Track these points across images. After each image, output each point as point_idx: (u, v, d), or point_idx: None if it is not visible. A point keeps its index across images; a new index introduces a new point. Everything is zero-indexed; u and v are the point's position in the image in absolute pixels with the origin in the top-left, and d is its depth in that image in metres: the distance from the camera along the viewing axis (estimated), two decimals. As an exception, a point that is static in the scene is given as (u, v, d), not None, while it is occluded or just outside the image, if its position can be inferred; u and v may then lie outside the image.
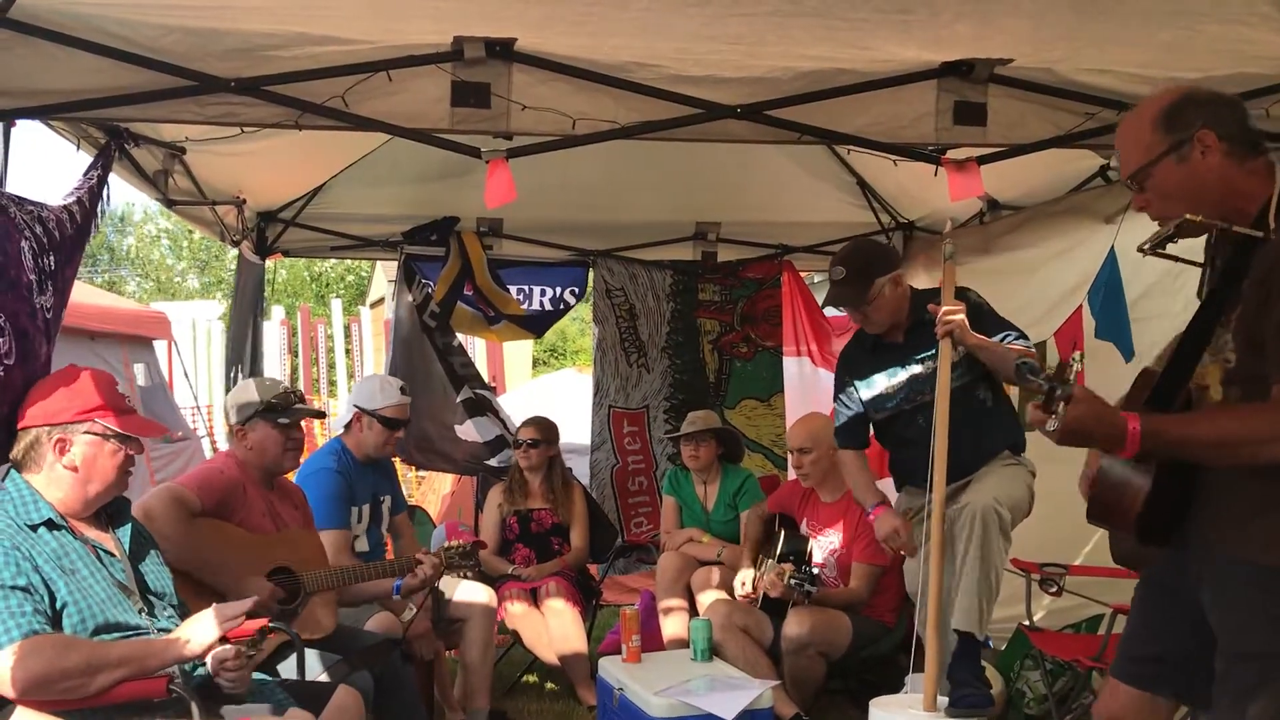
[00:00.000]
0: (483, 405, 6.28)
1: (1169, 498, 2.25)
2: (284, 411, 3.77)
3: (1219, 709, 2.23)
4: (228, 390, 5.13)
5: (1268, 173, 2.27)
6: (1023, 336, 3.81)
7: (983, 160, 3.74)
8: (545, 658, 5.08)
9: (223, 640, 2.68)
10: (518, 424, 5.79)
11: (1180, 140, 2.26)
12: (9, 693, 2.44)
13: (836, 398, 4.19)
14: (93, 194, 3.49)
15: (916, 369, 3.90)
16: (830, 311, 6.89)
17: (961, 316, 3.63)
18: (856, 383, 4.07)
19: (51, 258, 3.15)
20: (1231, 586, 2.20)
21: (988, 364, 3.77)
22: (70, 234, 3.28)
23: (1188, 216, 2.23)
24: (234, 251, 5.90)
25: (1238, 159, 2.26)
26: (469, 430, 6.24)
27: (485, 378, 6.74)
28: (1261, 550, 2.14)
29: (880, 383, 4.00)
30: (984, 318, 3.82)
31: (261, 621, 2.82)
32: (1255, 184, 2.26)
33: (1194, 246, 2.42)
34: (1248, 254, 2.20)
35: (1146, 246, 2.36)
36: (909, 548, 3.93)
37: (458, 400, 6.25)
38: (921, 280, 5.28)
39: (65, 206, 3.31)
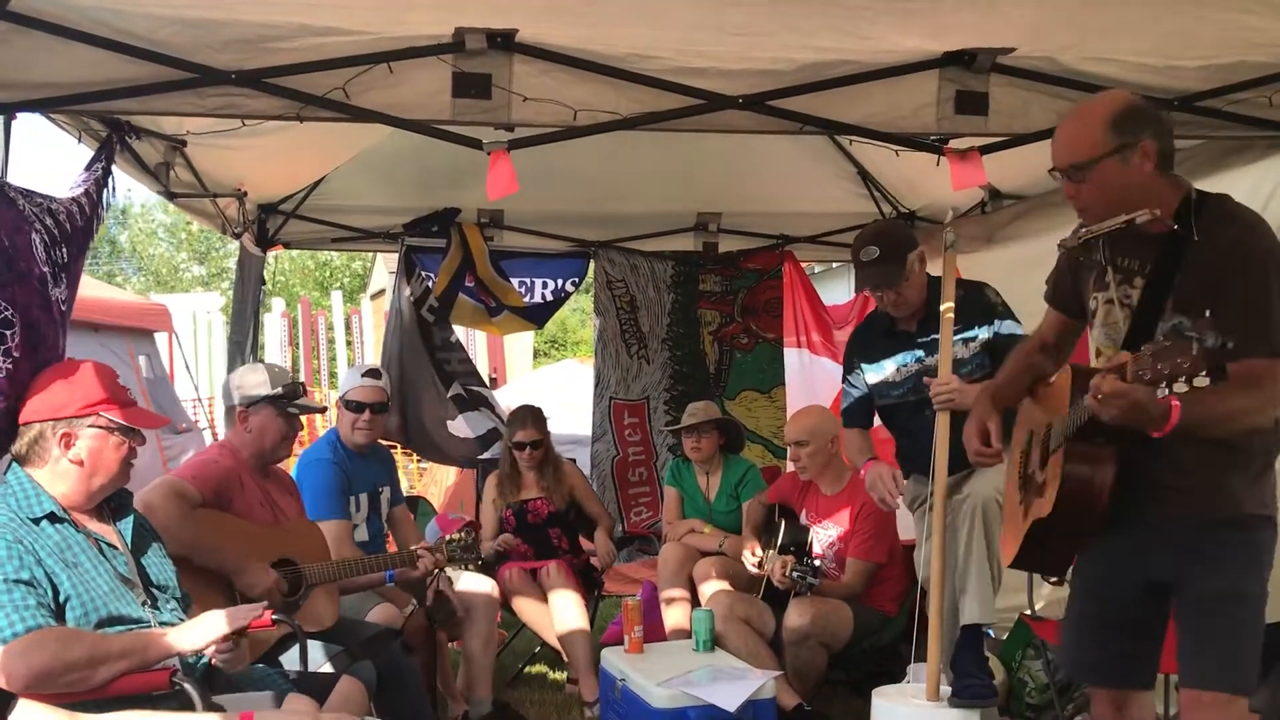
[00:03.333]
0: (475, 400, 6.29)
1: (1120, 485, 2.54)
2: (292, 402, 3.79)
3: (1191, 645, 2.53)
4: None
5: (1176, 184, 2.58)
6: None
7: (985, 150, 3.73)
8: (548, 639, 5.06)
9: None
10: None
11: (1126, 144, 2.51)
12: (14, 685, 2.45)
13: (845, 378, 4.18)
14: (98, 186, 3.49)
15: (927, 359, 3.86)
16: (831, 301, 6.95)
17: (956, 391, 3.56)
18: (865, 366, 4.05)
19: (64, 249, 3.16)
20: (1205, 540, 2.52)
21: None
22: (80, 225, 3.28)
23: (1152, 212, 2.49)
24: (234, 243, 5.90)
25: (1161, 170, 2.55)
26: (460, 426, 6.26)
27: (486, 370, 6.75)
28: (1231, 504, 2.52)
29: (889, 370, 3.97)
30: (997, 314, 3.81)
31: (267, 614, 2.82)
32: (1169, 192, 2.56)
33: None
34: (1177, 252, 2.52)
35: (1071, 241, 2.65)
36: (890, 499, 3.91)
37: (447, 396, 6.28)
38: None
39: (74, 198, 3.31)
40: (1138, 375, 2.19)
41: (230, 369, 5.73)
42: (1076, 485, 2.53)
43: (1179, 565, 2.56)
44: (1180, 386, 2.17)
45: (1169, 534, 2.57)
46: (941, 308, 3.69)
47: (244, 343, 5.83)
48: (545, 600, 4.99)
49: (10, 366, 2.82)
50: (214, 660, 2.72)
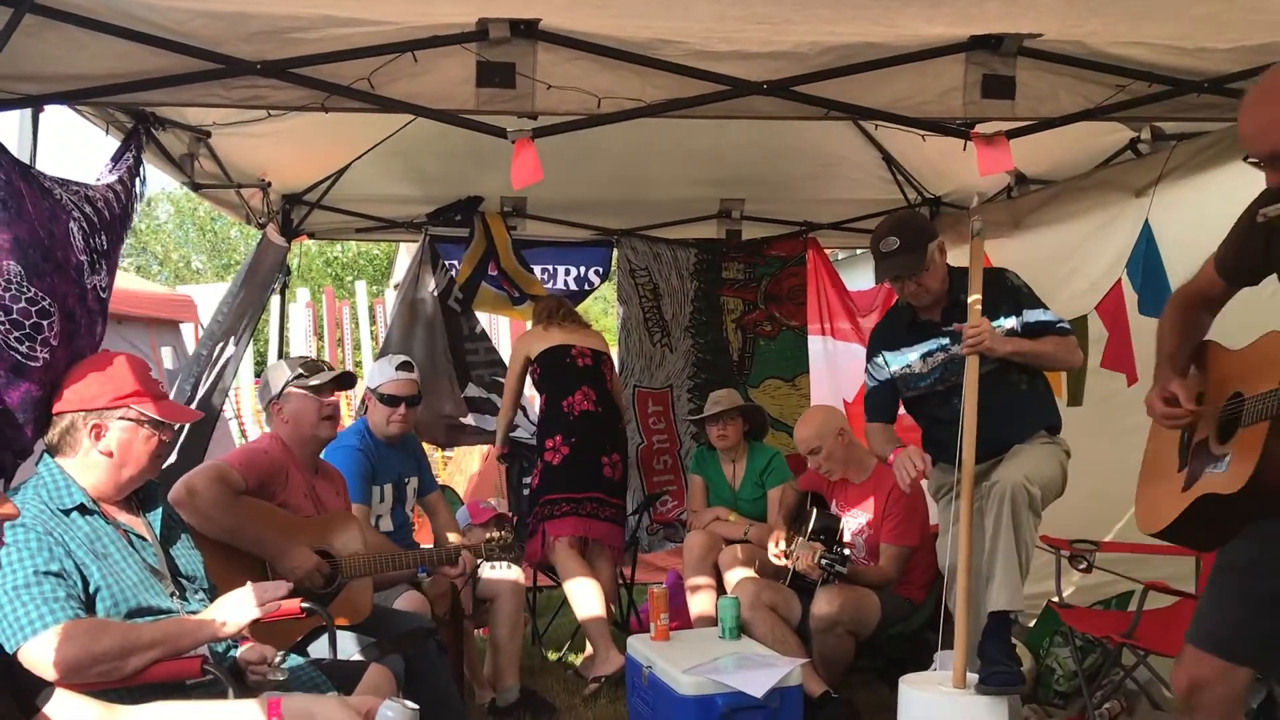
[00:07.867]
0: (494, 404, 6.30)
1: None
2: (313, 374, 3.83)
3: None
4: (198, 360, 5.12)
5: None
6: (1060, 322, 3.79)
7: (1012, 134, 3.70)
8: (577, 605, 5.12)
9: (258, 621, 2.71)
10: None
11: None
12: (46, 676, 2.46)
13: (867, 372, 4.15)
14: (130, 175, 3.52)
15: (953, 349, 3.83)
16: (855, 288, 6.92)
17: (987, 334, 3.61)
18: (889, 358, 4.02)
19: (103, 237, 3.18)
20: None
21: (1025, 363, 3.75)
22: (118, 213, 3.31)
23: None
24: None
25: None
26: (469, 421, 6.32)
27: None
28: None
29: (915, 361, 3.95)
30: (1023, 301, 3.79)
31: (296, 602, 2.83)
32: None
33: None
34: None
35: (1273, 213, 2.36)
36: (909, 474, 3.83)
37: (461, 395, 6.31)
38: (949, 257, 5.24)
39: (109, 185, 3.33)
40: None
41: (216, 350, 5.45)
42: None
43: None
44: None
45: None
46: (970, 297, 3.67)
47: (237, 326, 5.58)
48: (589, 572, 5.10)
49: (47, 356, 2.84)
50: (248, 676, 2.73)
